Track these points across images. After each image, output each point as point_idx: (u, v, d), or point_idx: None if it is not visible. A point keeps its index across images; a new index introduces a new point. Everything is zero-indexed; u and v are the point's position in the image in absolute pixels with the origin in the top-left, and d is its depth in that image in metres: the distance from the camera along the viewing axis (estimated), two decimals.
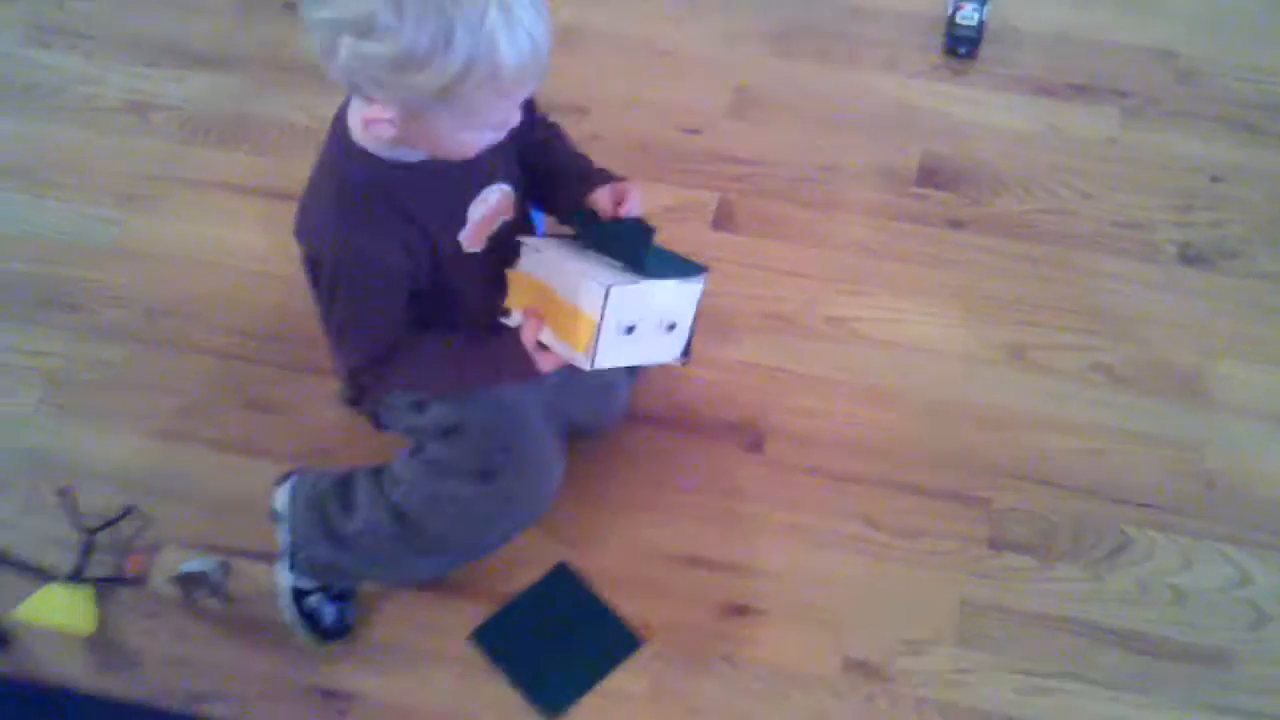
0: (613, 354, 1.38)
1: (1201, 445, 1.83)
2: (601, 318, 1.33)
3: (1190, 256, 2.00)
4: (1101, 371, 1.89)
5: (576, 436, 1.71)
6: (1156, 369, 1.90)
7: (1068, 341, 1.92)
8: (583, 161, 1.56)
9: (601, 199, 1.46)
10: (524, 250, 1.45)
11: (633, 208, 1.44)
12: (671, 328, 1.42)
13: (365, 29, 1.15)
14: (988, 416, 1.85)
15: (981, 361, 1.91)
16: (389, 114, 1.23)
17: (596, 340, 1.34)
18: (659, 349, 1.44)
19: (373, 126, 1.26)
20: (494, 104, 1.24)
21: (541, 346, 1.41)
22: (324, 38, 1.19)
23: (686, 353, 1.46)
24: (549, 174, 1.53)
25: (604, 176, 1.52)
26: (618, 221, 1.44)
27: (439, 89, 1.18)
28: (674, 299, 1.41)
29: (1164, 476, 1.80)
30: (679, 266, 1.43)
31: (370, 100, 1.23)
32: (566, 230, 1.52)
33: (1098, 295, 1.97)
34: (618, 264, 1.40)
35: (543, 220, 1.62)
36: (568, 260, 1.40)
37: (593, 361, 1.36)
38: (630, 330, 1.37)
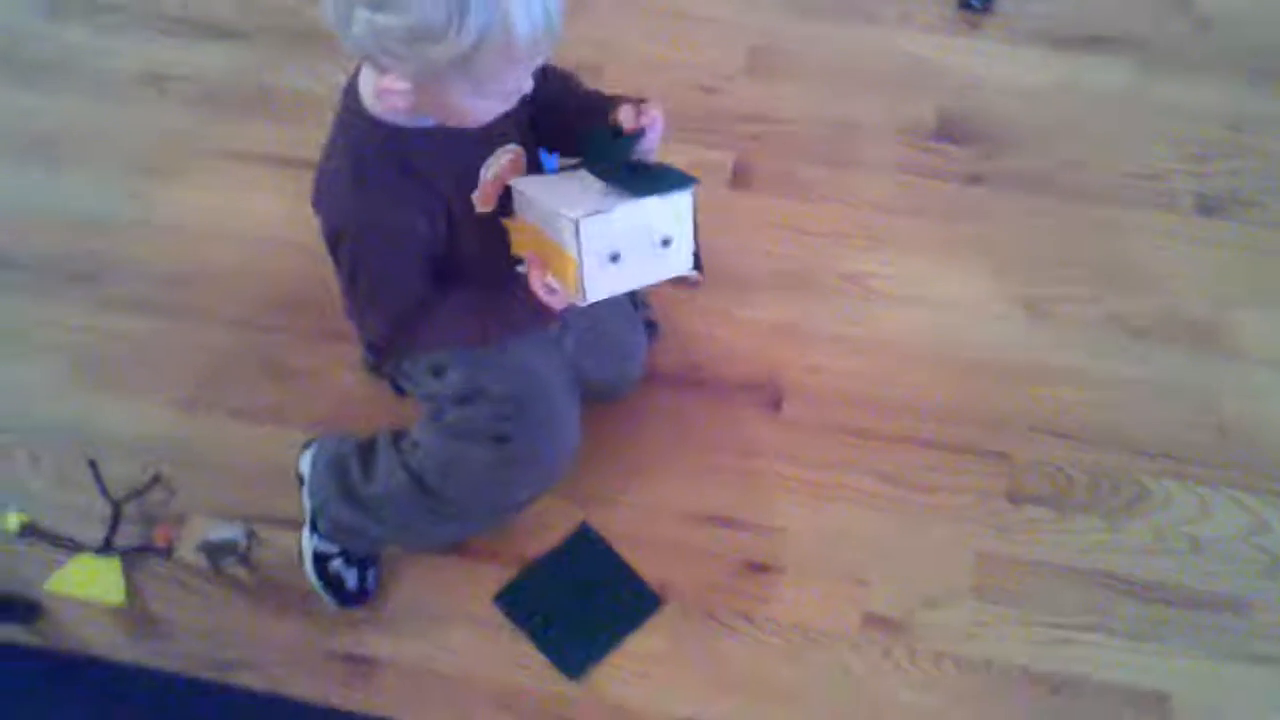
0: (605, 284, 1.36)
1: (1218, 394, 1.83)
2: (579, 252, 1.32)
3: (1207, 206, 2.00)
4: (1117, 323, 1.90)
5: (594, 399, 1.72)
6: (1172, 319, 1.90)
7: (1084, 294, 1.92)
8: (602, 95, 1.53)
9: (624, 114, 1.43)
10: (514, 195, 1.45)
11: (655, 119, 1.42)
12: (666, 243, 1.38)
13: (380, 1, 1.16)
14: (1004, 370, 1.86)
15: (998, 316, 1.91)
16: (403, 84, 1.24)
17: (581, 275, 1.34)
18: (660, 267, 1.40)
19: (386, 96, 1.27)
20: (507, 71, 1.25)
21: (550, 289, 1.41)
22: (339, 9, 1.19)
23: (698, 265, 1.43)
24: (573, 111, 1.50)
25: (625, 99, 1.48)
26: (617, 140, 1.41)
27: (454, 59, 1.19)
28: (659, 216, 1.37)
29: (1180, 426, 1.80)
30: (668, 181, 1.37)
31: (384, 70, 1.24)
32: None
33: (1114, 247, 1.97)
34: (604, 186, 1.37)
35: (557, 167, 1.61)
36: (549, 197, 1.38)
37: (584, 297, 1.35)
38: (616, 258, 1.35)
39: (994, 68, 2.18)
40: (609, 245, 1.33)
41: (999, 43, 2.21)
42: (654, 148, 1.42)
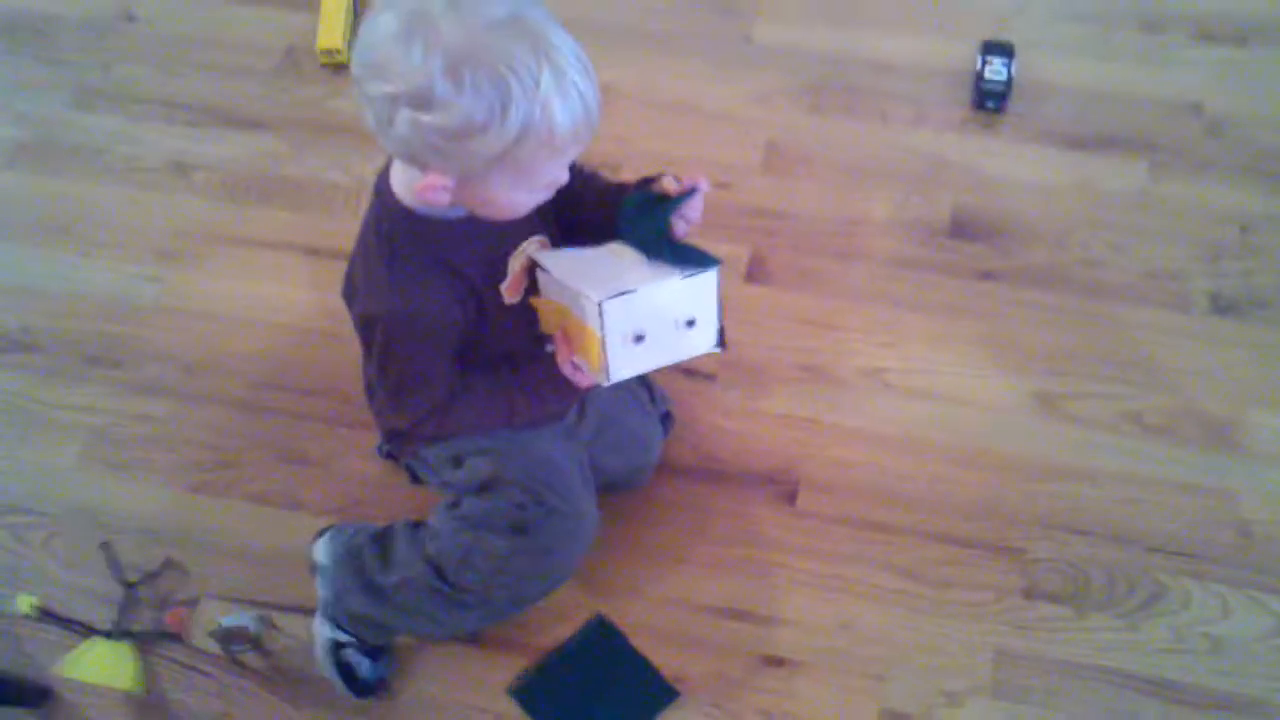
0: (629, 364, 1.36)
1: (1235, 494, 1.83)
2: (603, 332, 1.32)
3: (1222, 306, 2.01)
4: (1133, 421, 1.90)
5: (610, 489, 1.73)
6: (1189, 418, 1.90)
7: (1099, 390, 1.93)
8: (633, 182, 1.55)
9: (668, 181, 1.43)
10: (539, 274, 1.45)
11: (701, 182, 1.42)
12: (691, 323, 1.38)
13: (423, 101, 1.18)
14: (1020, 466, 1.86)
15: (1014, 411, 1.91)
16: (445, 180, 1.26)
17: (605, 355, 1.34)
18: (684, 346, 1.39)
19: (428, 194, 1.28)
20: (548, 163, 1.27)
21: (577, 367, 1.42)
22: (381, 111, 1.21)
23: (722, 343, 1.42)
24: (599, 198, 1.50)
25: (654, 177, 1.49)
26: (658, 204, 1.41)
27: (497, 153, 1.21)
28: (684, 296, 1.36)
29: (1198, 525, 1.80)
30: (692, 261, 1.37)
31: (425, 168, 1.26)
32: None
33: (1129, 345, 1.98)
34: (628, 264, 1.37)
35: None
36: (573, 276, 1.38)
37: (608, 377, 1.35)
38: (640, 339, 1.34)
39: (1007, 167, 2.20)
40: (633, 326, 1.33)
41: (1012, 142, 2.24)
42: (697, 216, 1.42)
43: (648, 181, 1.45)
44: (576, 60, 1.21)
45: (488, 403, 1.50)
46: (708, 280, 1.37)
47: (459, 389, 1.47)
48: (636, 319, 1.34)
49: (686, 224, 1.42)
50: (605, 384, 1.36)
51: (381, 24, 1.19)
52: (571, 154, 1.29)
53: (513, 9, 1.18)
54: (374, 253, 1.40)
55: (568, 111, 1.20)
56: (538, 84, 1.17)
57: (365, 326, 1.44)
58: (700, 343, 1.40)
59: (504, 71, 1.16)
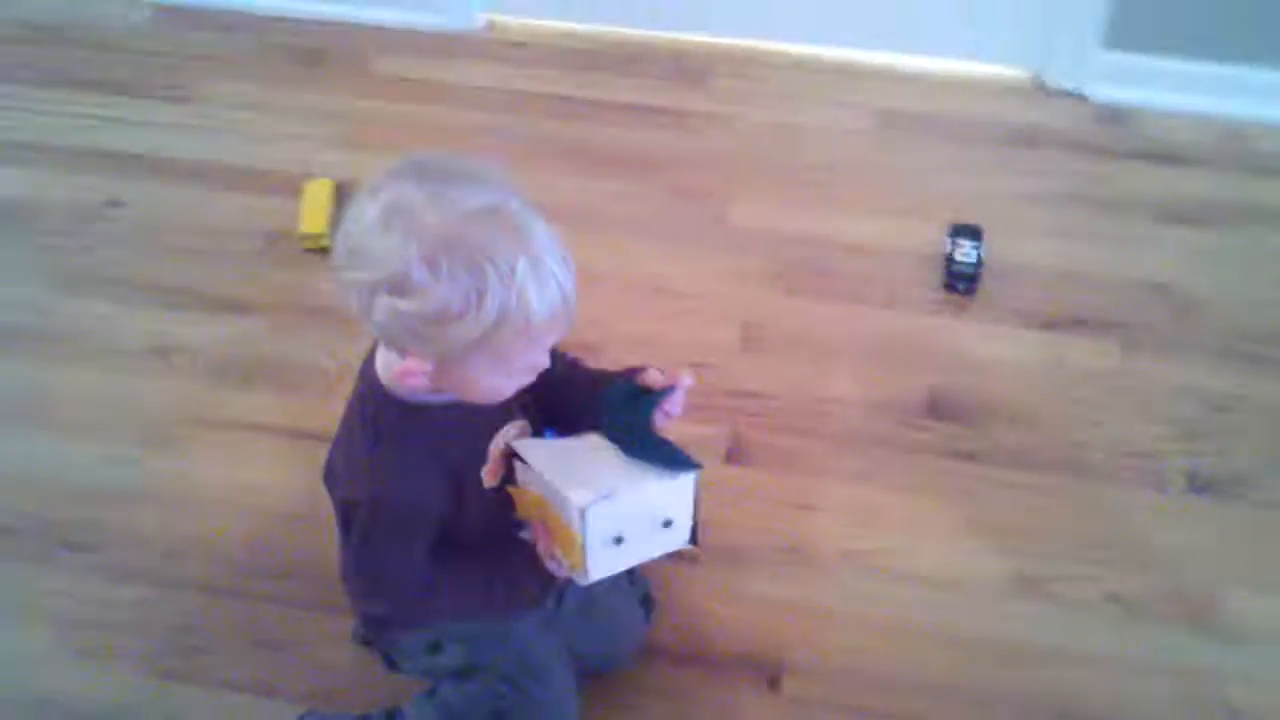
0: (607, 564, 1.38)
1: (1221, 676, 1.81)
2: (585, 536, 1.33)
3: (1199, 486, 2.02)
4: (1116, 602, 1.89)
5: (590, 673, 1.70)
6: (1171, 599, 1.89)
7: (1081, 573, 1.93)
8: (614, 371, 1.57)
9: (651, 374, 1.46)
10: (517, 465, 1.45)
11: (683, 379, 1.45)
12: (668, 524, 1.40)
13: (401, 288, 1.20)
14: (1005, 650, 1.84)
15: (997, 593, 1.90)
16: (424, 365, 1.27)
17: (585, 558, 1.35)
18: (660, 543, 1.41)
19: (408, 379, 1.30)
20: (526, 349, 1.29)
21: (554, 557, 1.42)
22: (360, 296, 1.23)
23: (694, 540, 1.44)
24: (581, 385, 1.53)
25: (648, 367, 1.50)
26: (640, 397, 1.43)
27: (474, 339, 1.22)
28: (664, 498, 1.38)
29: (1186, 709, 1.78)
30: (674, 461, 1.39)
31: (405, 353, 1.27)
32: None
33: (1109, 524, 1.99)
34: (608, 460, 1.39)
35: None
36: (554, 473, 1.38)
37: (587, 576, 1.37)
38: (619, 540, 1.36)
39: (980, 347, 2.24)
40: (613, 529, 1.35)
41: (985, 323, 2.28)
42: (678, 411, 1.44)
43: (632, 373, 1.46)
44: (553, 249, 1.23)
45: (465, 589, 1.48)
46: (687, 482, 1.39)
47: (436, 575, 1.46)
48: (617, 522, 1.35)
49: (666, 418, 1.43)
50: (583, 583, 1.38)
51: (363, 213, 1.22)
52: (549, 340, 1.31)
53: (491, 200, 1.21)
54: (357, 437, 1.40)
55: (544, 299, 1.22)
56: (514, 271, 1.19)
57: (345, 511, 1.43)
58: (674, 540, 1.41)
59: (481, 260, 1.18)
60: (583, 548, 1.34)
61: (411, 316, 1.21)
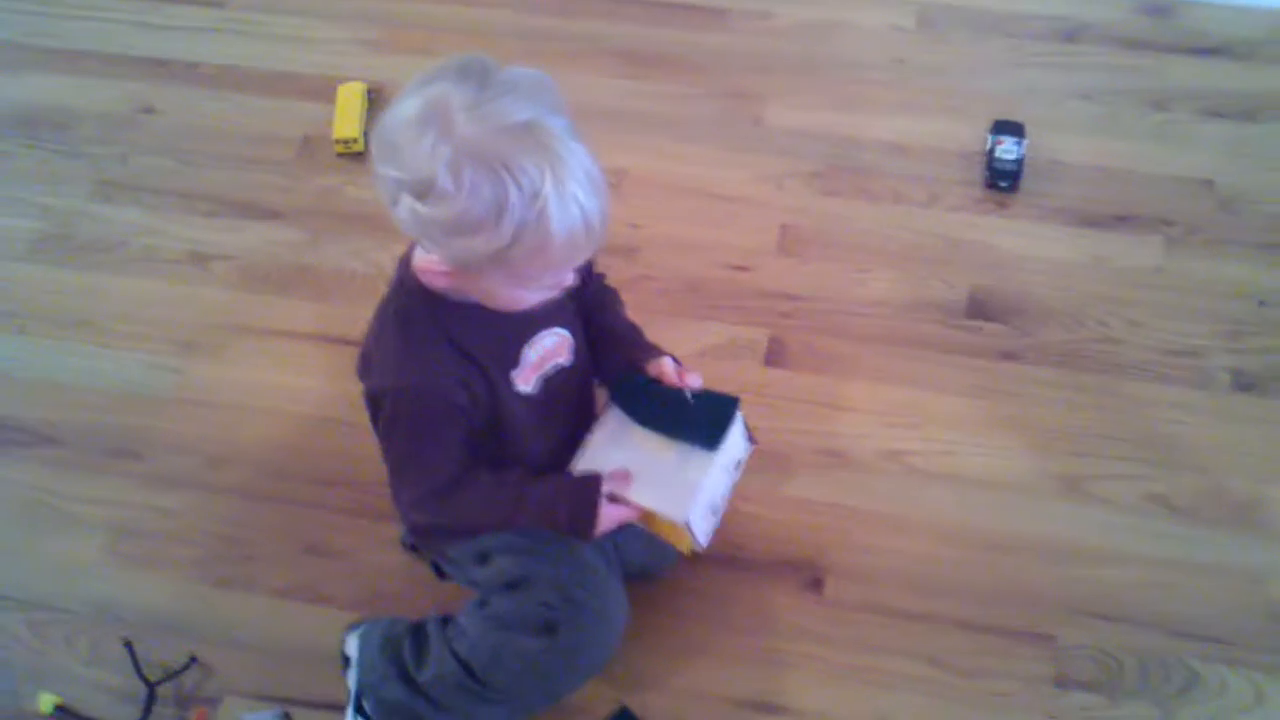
0: (710, 526, 1.55)
1: (1264, 576, 1.81)
2: (693, 534, 1.50)
3: (1244, 383, 2.01)
4: (1158, 502, 1.89)
5: (635, 578, 1.71)
6: (1214, 498, 1.89)
7: (1123, 471, 1.92)
8: (635, 331, 1.63)
9: (667, 365, 1.54)
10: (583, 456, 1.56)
11: (696, 380, 1.54)
12: (739, 464, 1.59)
13: (423, 191, 1.20)
14: (1047, 550, 1.84)
15: (1038, 494, 1.90)
16: (443, 266, 1.29)
17: (694, 537, 1.51)
18: (736, 475, 1.60)
19: (428, 275, 1.33)
20: (543, 270, 1.28)
21: (614, 499, 1.48)
22: (388, 191, 1.25)
23: (752, 439, 1.62)
24: (604, 334, 1.60)
25: (656, 350, 1.59)
26: (699, 394, 1.55)
27: (490, 253, 1.22)
28: (727, 456, 1.54)
29: (1229, 609, 1.78)
30: (719, 412, 1.55)
31: (427, 250, 1.30)
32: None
33: (1151, 424, 1.97)
34: (676, 450, 1.53)
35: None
36: (640, 492, 1.50)
37: (700, 546, 1.53)
38: (715, 510, 1.54)
39: (1023, 246, 2.21)
40: (708, 507, 1.53)
41: (1027, 221, 2.25)
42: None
43: (639, 347, 1.60)
44: (584, 174, 1.22)
45: (490, 500, 1.50)
46: (736, 428, 1.56)
47: (463, 481, 1.47)
48: (708, 501, 1.52)
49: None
50: (700, 550, 1.55)
51: (403, 108, 1.22)
52: (571, 263, 1.30)
53: (533, 115, 1.20)
54: (389, 328, 1.41)
55: (564, 223, 1.21)
56: (537, 193, 1.18)
57: (374, 402, 1.44)
58: (742, 459, 1.61)
59: (505, 176, 1.17)
60: (693, 538, 1.51)
61: (430, 222, 1.22)
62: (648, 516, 1.51)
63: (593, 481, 1.49)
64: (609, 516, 1.48)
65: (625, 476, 1.49)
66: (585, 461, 1.53)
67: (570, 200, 1.20)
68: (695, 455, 1.52)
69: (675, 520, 1.48)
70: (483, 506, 1.50)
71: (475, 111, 1.19)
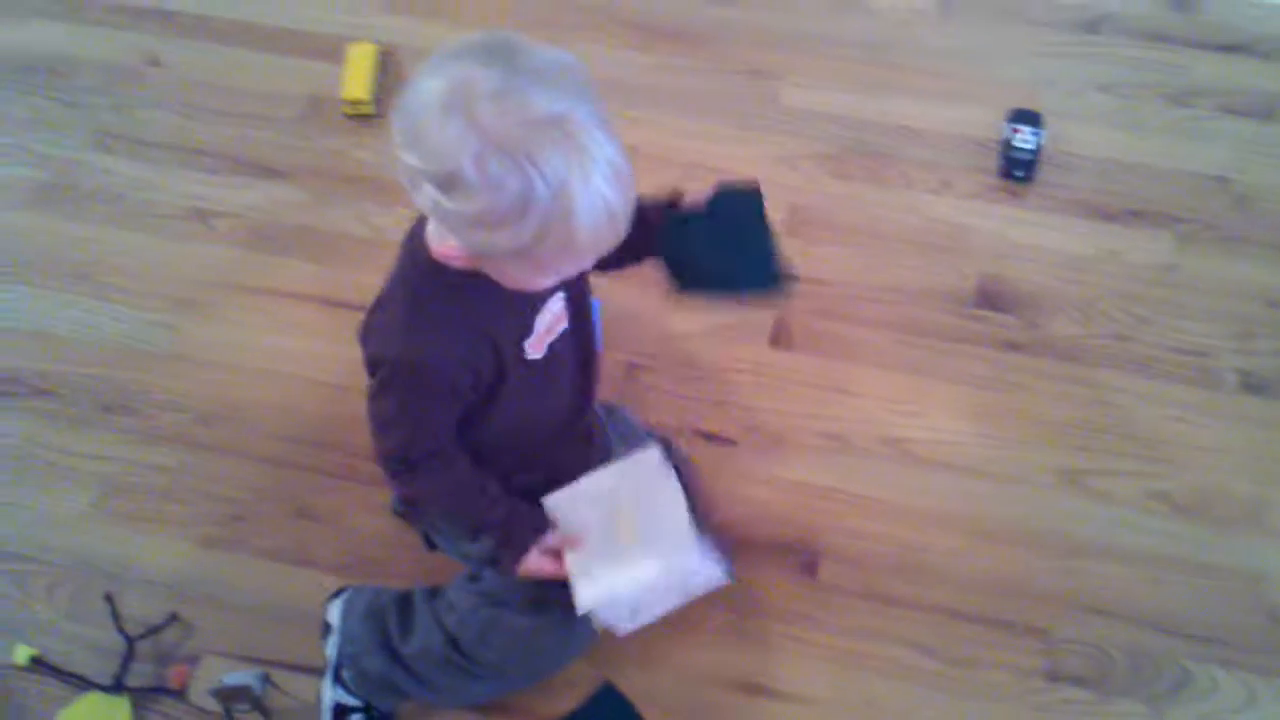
0: (633, 624, 1.53)
1: (1263, 579, 1.79)
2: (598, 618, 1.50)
3: (1252, 385, 1.98)
4: (1160, 499, 1.86)
5: None
6: (1216, 499, 1.87)
7: (1126, 468, 1.90)
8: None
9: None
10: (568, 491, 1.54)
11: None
12: (687, 581, 1.52)
13: (447, 185, 1.16)
14: (1044, 543, 1.82)
15: (1039, 486, 1.88)
16: (461, 252, 1.26)
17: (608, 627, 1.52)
18: (688, 592, 1.54)
19: (445, 258, 1.30)
20: (566, 262, 1.26)
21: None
22: (409, 176, 1.20)
23: (731, 574, 1.55)
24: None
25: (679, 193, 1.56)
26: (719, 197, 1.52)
27: (514, 248, 1.19)
28: (668, 579, 1.49)
29: (1226, 610, 1.76)
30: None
31: (445, 236, 1.26)
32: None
33: (1156, 422, 1.95)
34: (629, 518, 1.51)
35: (599, 316, 1.62)
36: (589, 533, 1.50)
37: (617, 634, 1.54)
38: (635, 612, 1.52)
39: (1035, 237, 2.18)
40: (626, 607, 1.51)
41: (1040, 212, 2.21)
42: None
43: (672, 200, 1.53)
44: (609, 168, 1.18)
45: (459, 488, 1.48)
46: (690, 557, 1.48)
47: (443, 459, 1.46)
48: (627, 604, 1.50)
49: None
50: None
51: (426, 89, 1.17)
52: (593, 255, 1.27)
53: (561, 107, 1.15)
54: (398, 296, 1.39)
55: (589, 219, 1.18)
56: (563, 190, 1.15)
57: (372, 365, 1.42)
58: (701, 586, 1.54)
59: (532, 173, 1.13)
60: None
61: (453, 214, 1.19)
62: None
63: (538, 528, 1.50)
64: (533, 565, 1.49)
65: (575, 541, 1.50)
66: (565, 498, 1.52)
67: (595, 194, 1.17)
68: (642, 573, 1.47)
69: (579, 603, 1.45)
70: (448, 493, 1.49)
71: (502, 100, 1.14)
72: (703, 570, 1.49)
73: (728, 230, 1.52)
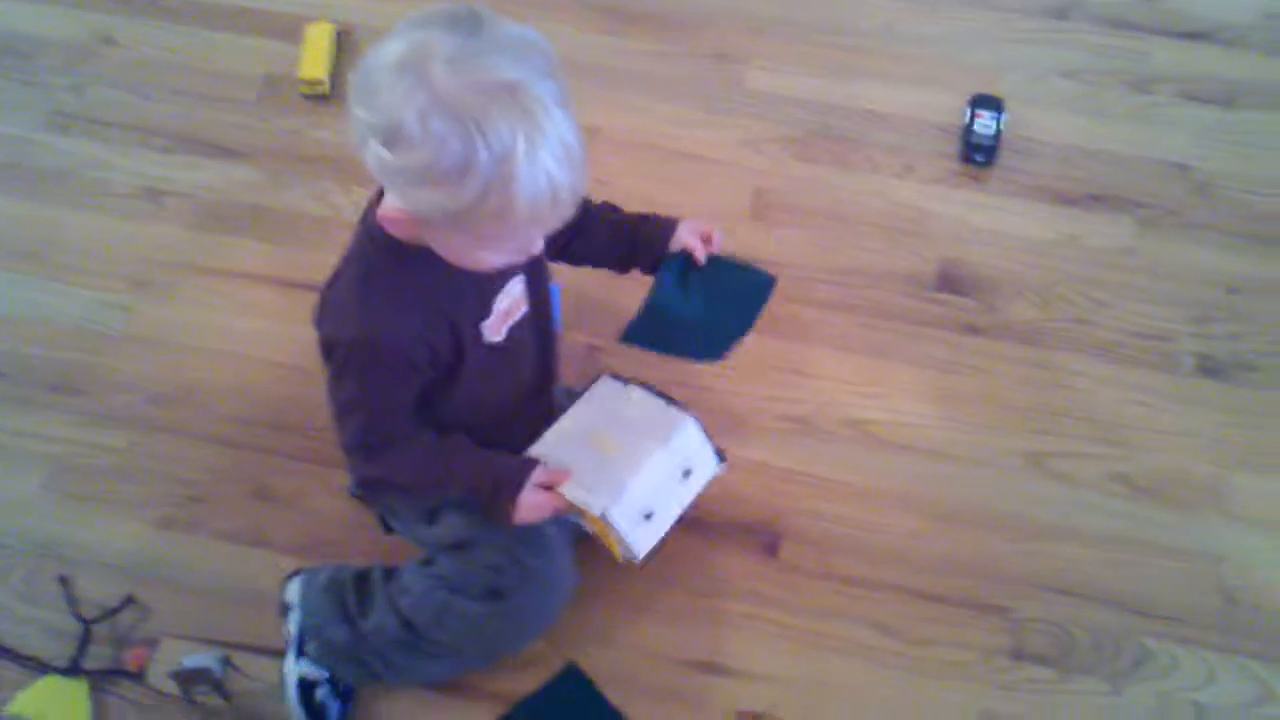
0: (650, 537, 1.48)
1: (1221, 558, 1.80)
2: (617, 530, 1.43)
3: (1209, 369, 1.99)
4: (1120, 481, 1.87)
5: (586, 536, 1.68)
6: (1175, 480, 1.88)
7: (1086, 450, 1.90)
8: (643, 217, 1.66)
9: (690, 239, 1.59)
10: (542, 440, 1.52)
11: (719, 240, 1.60)
12: (688, 473, 1.51)
13: (391, 138, 1.16)
14: (1006, 524, 1.83)
15: (999, 468, 1.88)
16: (405, 216, 1.25)
17: (627, 544, 1.45)
18: (692, 488, 1.52)
19: (389, 224, 1.29)
20: (504, 236, 1.24)
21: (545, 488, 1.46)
22: (357, 132, 1.20)
23: (722, 458, 1.55)
24: (610, 231, 1.63)
25: (669, 221, 1.62)
26: (734, 268, 1.64)
27: (451, 211, 1.18)
28: (670, 460, 1.48)
29: (1184, 589, 1.77)
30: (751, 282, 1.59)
31: (393, 199, 1.26)
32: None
33: (1116, 405, 1.96)
34: (611, 434, 1.49)
35: (559, 300, 1.62)
36: (571, 487, 1.46)
37: (636, 558, 1.47)
38: (649, 516, 1.46)
39: (995, 221, 2.18)
40: (639, 509, 1.45)
41: (1001, 196, 2.22)
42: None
43: (653, 227, 1.61)
44: (560, 145, 1.17)
45: (430, 458, 1.47)
46: (689, 433, 1.51)
47: (403, 438, 1.44)
48: (639, 503, 1.45)
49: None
50: (637, 565, 1.50)
51: (386, 51, 1.17)
52: (536, 232, 1.26)
53: (519, 76, 1.14)
54: (350, 273, 1.38)
55: (530, 191, 1.16)
56: (506, 156, 1.14)
57: (327, 347, 1.40)
58: (702, 476, 1.53)
59: (474, 133, 1.13)
60: (621, 538, 1.43)
61: (394, 169, 1.18)
62: (592, 519, 1.47)
63: (527, 466, 1.47)
64: (532, 504, 1.45)
65: (564, 472, 1.47)
66: (540, 447, 1.50)
67: (540, 170, 1.15)
68: (634, 451, 1.47)
69: (594, 511, 1.42)
70: (413, 470, 1.47)
71: (457, 64, 1.13)
72: (702, 450, 1.52)
73: (723, 300, 1.60)
